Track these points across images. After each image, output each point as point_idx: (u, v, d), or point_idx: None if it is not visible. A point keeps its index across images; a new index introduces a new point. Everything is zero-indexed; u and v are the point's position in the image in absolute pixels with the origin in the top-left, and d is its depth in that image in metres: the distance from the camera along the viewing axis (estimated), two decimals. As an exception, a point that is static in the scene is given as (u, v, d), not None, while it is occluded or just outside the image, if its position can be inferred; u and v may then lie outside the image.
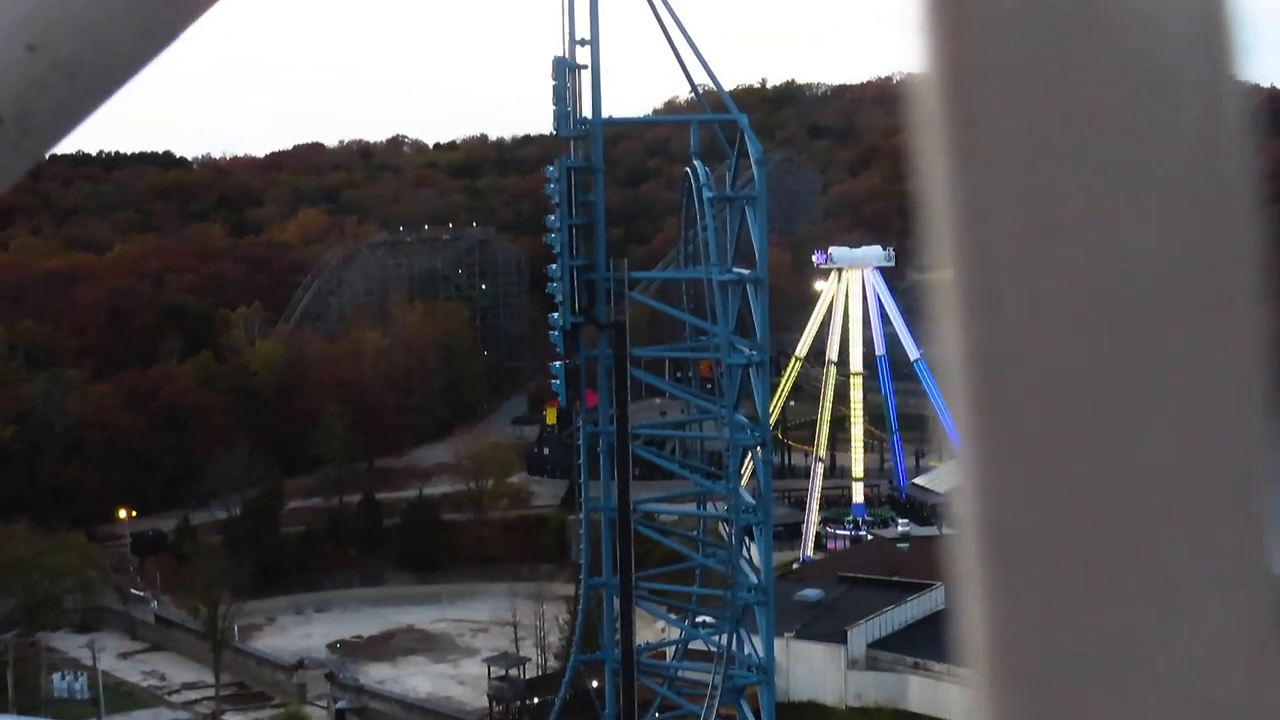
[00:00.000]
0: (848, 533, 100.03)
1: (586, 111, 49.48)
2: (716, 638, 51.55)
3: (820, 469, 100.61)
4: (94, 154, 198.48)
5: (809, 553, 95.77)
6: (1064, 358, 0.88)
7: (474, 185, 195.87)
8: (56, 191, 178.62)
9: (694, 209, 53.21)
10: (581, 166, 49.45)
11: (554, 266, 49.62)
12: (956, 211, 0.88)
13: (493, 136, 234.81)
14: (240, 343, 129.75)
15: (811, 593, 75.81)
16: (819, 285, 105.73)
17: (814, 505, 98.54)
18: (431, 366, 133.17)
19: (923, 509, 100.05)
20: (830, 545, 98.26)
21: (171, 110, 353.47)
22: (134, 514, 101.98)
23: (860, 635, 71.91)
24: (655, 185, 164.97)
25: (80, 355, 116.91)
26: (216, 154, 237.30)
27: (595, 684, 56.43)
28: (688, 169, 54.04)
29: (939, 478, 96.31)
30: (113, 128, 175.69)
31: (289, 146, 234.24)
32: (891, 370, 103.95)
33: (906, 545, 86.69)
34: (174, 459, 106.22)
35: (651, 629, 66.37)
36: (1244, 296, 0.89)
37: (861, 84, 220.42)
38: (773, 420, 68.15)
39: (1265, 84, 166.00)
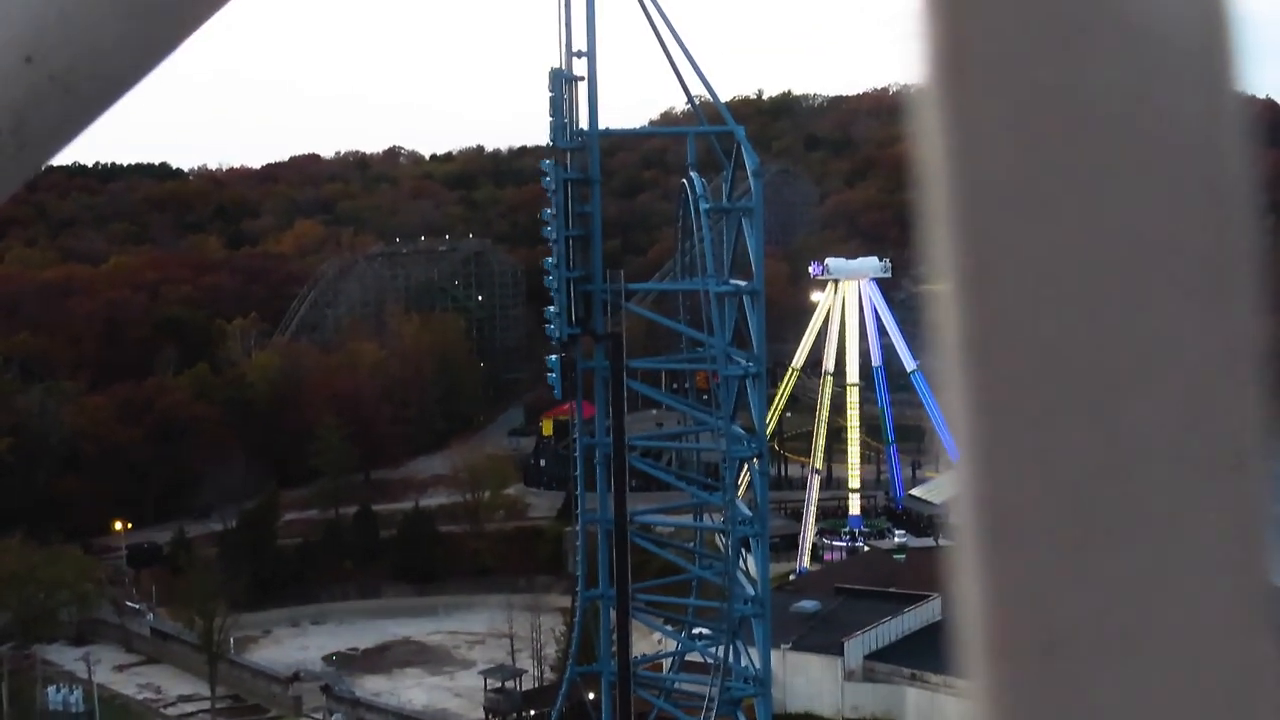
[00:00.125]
0: (844, 544, 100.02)
1: (583, 123, 49.55)
2: (713, 650, 51.45)
3: (817, 480, 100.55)
4: (90, 165, 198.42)
5: (806, 564, 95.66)
6: (1059, 337, 0.88)
7: (470, 196, 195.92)
8: (52, 203, 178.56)
9: (690, 220, 53.19)
10: (578, 178, 49.45)
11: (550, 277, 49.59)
12: (954, 194, 0.88)
13: (489, 148, 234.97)
14: (236, 354, 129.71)
15: (808, 604, 75.74)
16: (816, 296, 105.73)
17: (810, 517, 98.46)
18: (428, 378, 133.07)
19: (919, 520, 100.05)
20: (827, 557, 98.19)
21: (168, 121, 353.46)
22: (130, 526, 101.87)
23: (857, 647, 71.84)
24: (652, 196, 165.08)
25: (76, 367, 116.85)
26: (213, 165, 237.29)
27: (592, 696, 56.35)
28: (684, 180, 53.99)
29: (936, 489, 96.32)
30: (108, 139, 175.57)
31: (285, 158, 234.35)
32: (888, 381, 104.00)
33: (903, 556, 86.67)
34: (170, 471, 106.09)
35: (648, 641, 66.26)
36: (1240, 281, 0.89)
37: (858, 95, 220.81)
38: (769, 432, 68.13)
39: (1262, 95, 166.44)
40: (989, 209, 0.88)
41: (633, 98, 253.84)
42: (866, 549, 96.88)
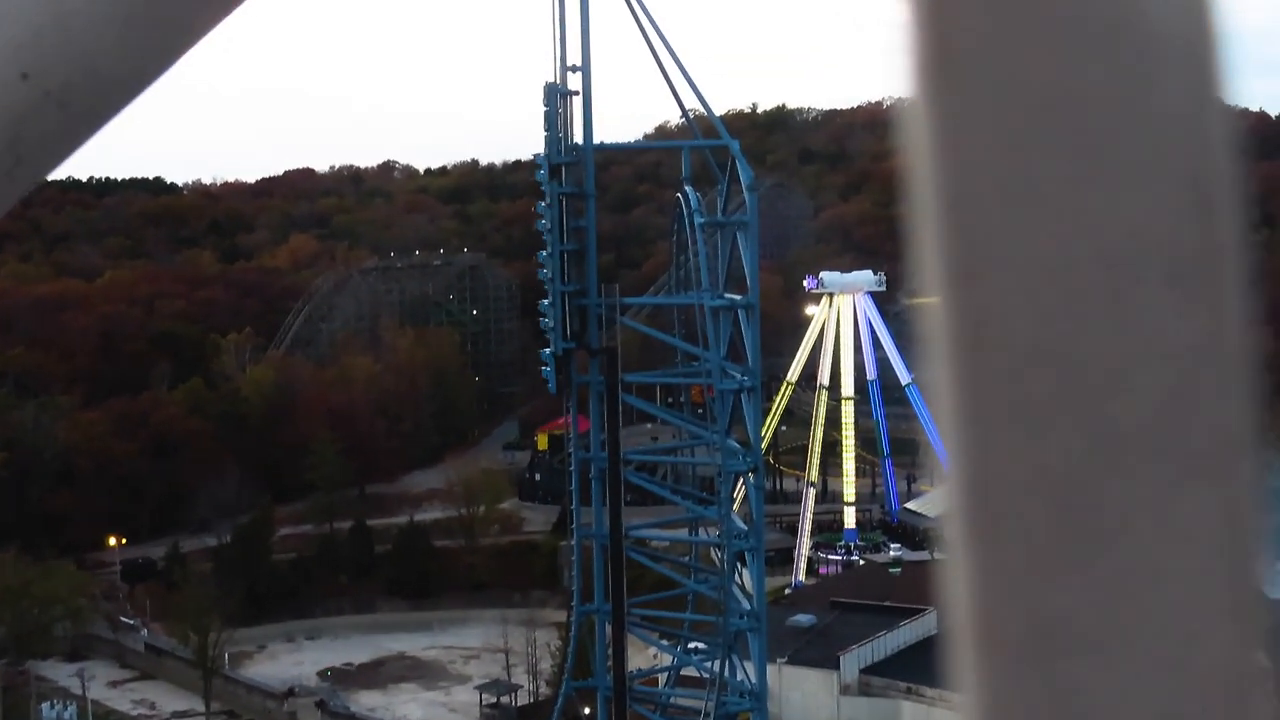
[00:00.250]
0: (840, 558, 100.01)
1: (578, 137, 49.58)
2: (709, 664, 51.39)
3: (812, 494, 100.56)
4: (84, 180, 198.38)
5: (801, 578, 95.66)
6: (1046, 335, 0.88)
7: (465, 210, 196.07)
8: (46, 217, 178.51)
9: (685, 234, 53.24)
10: (573, 192, 49.48)
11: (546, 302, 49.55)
12: (940, 194, 0.88)
13: (484, 162, 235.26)
14: (231, 369, 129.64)
15: (804, 618, 75.65)
16: (810, 310, 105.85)
17: (806, 530, 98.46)
18: (422, 392, 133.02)
19: (915, 533, 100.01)
20: (822, 570, 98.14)
21: (162, 136, 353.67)
22: (124, 541, 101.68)
23: (853, 661, 71.74)
24: (646, 210, 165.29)
25: (70, 382, 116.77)
26: (207, 179, 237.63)
27: (587, 711, 56.31)
28: (679, 194, 54.04)
29: (931, 502, 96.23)
30: (103, 153, 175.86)
31: (280, 172, 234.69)
32: (883, 395, 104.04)
33: (899, 570, 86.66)
34: (164, 486, 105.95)
35: (644, 655, 66.17)
36: (1227, 281, 0.89)
37: (852, 109, 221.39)
38: (764, 446, 68.09)
39: (1255, 107, 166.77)
40: (975, 209, 0.88)
41: (627, 112, 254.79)
42: (862, 563, 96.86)
